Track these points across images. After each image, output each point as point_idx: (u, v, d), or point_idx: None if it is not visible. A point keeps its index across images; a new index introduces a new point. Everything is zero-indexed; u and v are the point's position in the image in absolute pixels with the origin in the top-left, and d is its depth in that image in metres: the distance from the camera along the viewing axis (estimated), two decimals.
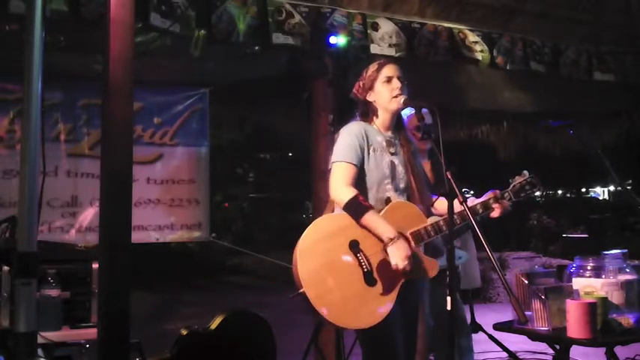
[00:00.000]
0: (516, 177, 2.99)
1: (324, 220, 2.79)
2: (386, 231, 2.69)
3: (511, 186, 2.96)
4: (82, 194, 5.90)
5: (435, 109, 2.75)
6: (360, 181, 2.83)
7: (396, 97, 2.88)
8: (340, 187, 2.77)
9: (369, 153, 2.85)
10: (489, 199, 2.91)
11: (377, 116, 2.95)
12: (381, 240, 2.70)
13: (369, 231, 2.71)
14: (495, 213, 2.91)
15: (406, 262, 2.64)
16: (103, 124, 2.76)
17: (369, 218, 2.70)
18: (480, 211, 2.89)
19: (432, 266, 2.80)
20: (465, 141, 7.18)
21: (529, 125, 7.36)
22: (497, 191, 2.93)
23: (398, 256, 2.65)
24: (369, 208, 2.72)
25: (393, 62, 2.97)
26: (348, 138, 2.85)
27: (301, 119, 5.64)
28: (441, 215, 2.86)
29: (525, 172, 3.00)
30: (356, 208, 2.71)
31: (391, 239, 2.66)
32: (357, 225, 2.71)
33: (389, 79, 2.90)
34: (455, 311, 2.54)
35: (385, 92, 2.90)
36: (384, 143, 2.91)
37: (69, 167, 5.90)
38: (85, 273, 3.15)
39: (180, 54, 4.52)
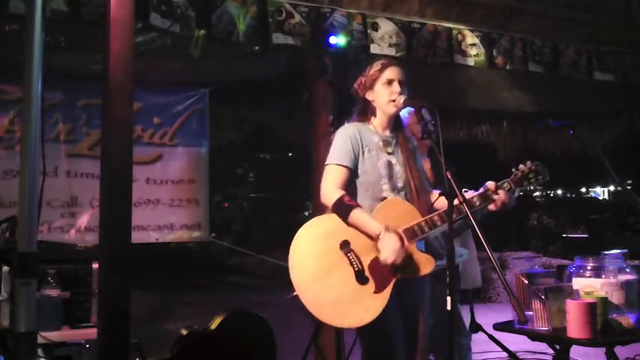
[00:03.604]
0: (520, 165, 2.90)
1: (315, 223, 2.81)
2: (372, 227, 2.70)
3: (512, 175, 2.89)
4: (81, 194, 5.90)
5: (435, 109, 2.75)
6: (355, 181, 2.84)
7: (393, 100, 2.87)
8: (328, 190, 2.79)
9: (363, 154, 2.85)
10: (487, 190, 2.85)
11: (375, 116, 2.96)
12: (370, 237, 2.71)
13: (358, 229, 2.72)
14: (493, 206, 2.83)
15: (394, 256, 2.64)
16: (103, 124, 2.76)
17: (355, 216, 2.71)
18: (478, 203, 2.83)
19: (427, 262, 2.78)
20: (465, 141, 7.17)
21: (529, 125, 7.35)
22: (493, 183, 2.86)
23: (386, 250, 2.65)
24: (355, 206, 2.73)
25: (397, 64, 2.95)
26: (340, 140, 2.86)
27: (301, 119, 5.64)
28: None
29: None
30: (342, 209, 2.73)
31: (378, 234, 2.67)
32: (347, 225, 2.73)
33: (390, 82, 2.89)
34: (455, 311, 2.54)
35: (384, 94, 2.89)
36: (381, 143, 2.91)
37: (69, 167, 5.89)
38: (85, 273, 3.16)
39: (180, 54, 4.52)
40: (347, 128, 2.92)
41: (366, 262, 2.70)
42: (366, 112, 2.97)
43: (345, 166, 2.81)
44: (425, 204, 2.90)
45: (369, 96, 2.94)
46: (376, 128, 2.94)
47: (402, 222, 2.76)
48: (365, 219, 2.72)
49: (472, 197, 2.83)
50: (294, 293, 2.65)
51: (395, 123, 2.98)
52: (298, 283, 2.65)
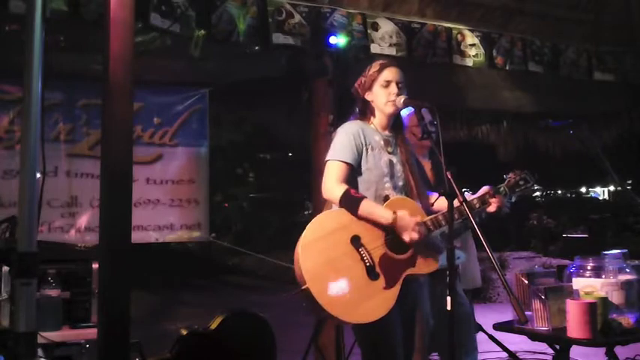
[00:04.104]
0: (510, 173, 3.03)
1: (325, 217, 2.79)
2: (383, 214, 2.72)
3: (506, 181, 3.00)
4: (81, 194, 5.90)
5: (435, 109, 2.76)
6: (359, 180, 2.85)
7: (392, 101, 2.88)
8: (331, 185, 2.79)
9: (367, 152, 2.86)
10: (485, 194, 2.94)
11: (374, 116, 2.97)
12: (381, 228, 2.72)
13: (368, 220, 2.73)
14: (492, 208, 2.93)
15: (416, 234, 2.68)
16: (103, 124, 2.77)
17: (365, 207, 2.72)
18: (477, 206, 2.91)
19: (433, 260, 2.81)
20: (465, 141, 7.17)
21: (529, 125, 7.36)
22: (490, 187, 2.96)
23: (407, 229, 2.69)
24: (362, 198, 2.74)
25: (395, 65, 2.95)
26: (344, 137, 2.87)
27: (301, 119, 5.64)
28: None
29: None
30: (350, 202, 2.73)
31: (390, 221, 2.69)
32: (357, 220, 2.73)
33: (387, 83, 2.90)
34: (456, 311, 2.54)
35: (382, 95, 2.91)
36: (382, 142, 2.92)
37: (69, 167, 5.90)
38: (85, 273, 3.15)
39: (180, 54, 4.52)
40: (350, 126, 2.93)
41: (377, 257, 2.70)
42: (365, 112, 2.98)
43: (347, 163, 2.82)
44: (424, 203, 2.92)
45: (368, 96, 2.95)
46: (376, 127, 2.96)
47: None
48: (375, 208, 2.73)
49: (472, 200, 2.91)
50: (304, 287, 2.59)
51: (394, 123, 2.99)
52: (308, 276, 2.60)
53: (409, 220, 2.71)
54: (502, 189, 2.97)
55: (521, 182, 3.01)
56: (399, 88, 2.89)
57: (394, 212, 2.71)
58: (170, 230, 6.34)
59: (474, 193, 3.03)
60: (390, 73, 2.91)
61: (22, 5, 3.43)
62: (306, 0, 4.58)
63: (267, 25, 4.38)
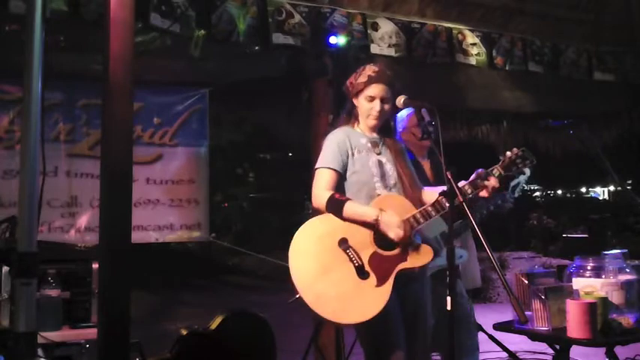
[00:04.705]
0: (507, 152, 2.93)
1: (312, 223, 2.82)
2: (368, 213, 2.74)
3: (500, 162, 2.92)
4: (81, 194, 5.89)
5: (435, 109, 2.76)
6: (349, 183, 2.88)
7: (373, 116, 2.91)
8: (319, 192, 2.83)
9: (353, 155, 2.89)
10: (476, 178, 2.88)
11: (358, 122, 3.01)
12: (368, 228, 2.73)
13: (355, 221, 2.75)
14: (484, 192, 2.87)
15: (401, 231, 2.68)
16: (103, 124, 2.77)
17: (349, 208, 2.75)
18: (469, 191, 2.85)
19: (426, 253, 2.80)
20: (465, 141, 7.17)
21: (529, 125, 7.35)
22: (482, 170, 2.89)
23: (392, 228, 2.69)
24: (347, 200, 2.78)
25: (383, 82, 2.91)
26: (330, 144, 2.91)
27: (301, 119, 5.64)
28: None
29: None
30: (334, 205, 2.77)
31: (375, 218, 2.71)
32: (343, 223, 2.76)
33: (372, 99, 2.91)
34: (455, 311, 2.54)
35: (365, 108, 2.94)
36: (369, 144, 2.95)
37: (69, 167, 5.89)
38: (85, 273, 3.16)
39: (180, 54, 4.52)
40: (336, 134, 2.96)
41: (366, 257, 2.72)
42: (351, 113, 3.02)
43: (335, 170, 2.86)
44: (417, 200, 2.92)
45: (355, 102, 2.98)
46: (363, 131, 2.99)
47: (398, 214, 2.77)
48: (359, 208, 2.76)
49: (464, 186, 2.86)
50: (297, 296, 2.67)
51: (382, 126, 3.01)
52: (300, 284, 2.67)
53: (394, 218, 2.72)
54: (495, 170, 2.88)
55: (518, 160, 2.91)
56: (383, 103, 2.90)
57: (379, 210, 2.73)
58: (170, 230, 6.33)
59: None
60: (375, 90, 2.90)
61: (22, 5, 3.43)
62: (306, 0, 4.58)
63: (267, 25, 4.39)
